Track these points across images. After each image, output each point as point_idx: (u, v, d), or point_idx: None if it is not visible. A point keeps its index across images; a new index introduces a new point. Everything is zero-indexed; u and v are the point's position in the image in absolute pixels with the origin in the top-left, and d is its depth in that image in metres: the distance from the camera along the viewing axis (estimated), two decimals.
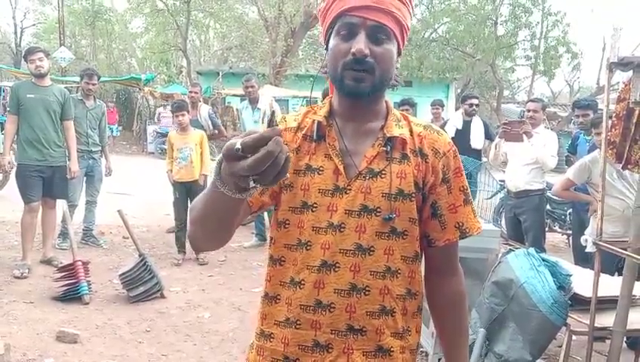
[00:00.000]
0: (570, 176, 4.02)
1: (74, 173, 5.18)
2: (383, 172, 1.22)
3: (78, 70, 22.82)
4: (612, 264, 3.48)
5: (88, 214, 5.95)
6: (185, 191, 5.58)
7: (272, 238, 1.28)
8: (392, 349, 1.22)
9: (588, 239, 2.68)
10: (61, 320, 3.89)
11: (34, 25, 31.79)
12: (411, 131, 1.27)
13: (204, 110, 6.89)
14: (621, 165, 2.77)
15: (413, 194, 1.23)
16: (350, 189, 1.21)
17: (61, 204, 5.13)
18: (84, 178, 5.77)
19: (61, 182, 5.09)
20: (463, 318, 1.36)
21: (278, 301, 1.24)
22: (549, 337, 2.92)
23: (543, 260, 2.96)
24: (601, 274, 2.82)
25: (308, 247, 1.21)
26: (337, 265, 1.19)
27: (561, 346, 3.65)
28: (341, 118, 1.26)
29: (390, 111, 1.28)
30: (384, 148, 1.23)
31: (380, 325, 1.20)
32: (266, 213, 6.32)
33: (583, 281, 3.01)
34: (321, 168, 1.22)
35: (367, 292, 1.19)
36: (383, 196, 1.21)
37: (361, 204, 1.20)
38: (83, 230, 5.96)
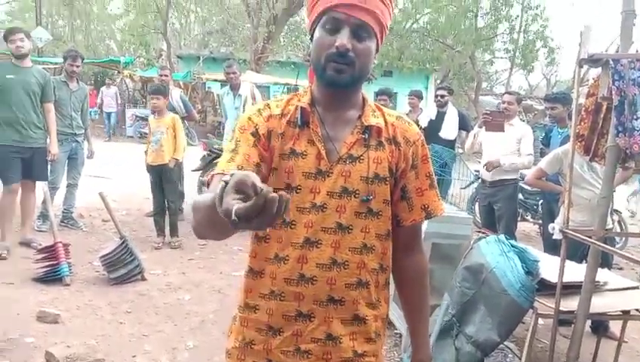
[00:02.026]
0: (542, 166, 4.17)
1: (53, 155, 5.17)
2: (362, 157, 1.32)
3: (55, 51, 22.43)
4: (578, 252, 3.65)
5: (69, 197, 5.95)
6: (157, 174, 5.62)
7: None
8: (366, 317, 1.33)
9: (555, 227, 2.82)
10: (41, 301, 3.93)
11: (8, 2, 31.02)
12: (385, 121, 1.38)
13: (176, 93, 6.90)
14: (589, 157, 2.91)
15: (388, 178, 1.34)
16: (332, 173, 1.30)
17: (42, 186, 5.13)
18: (67, 161, 5.76)
19: (40, 164, 5.08)
20: (424, 291, 1.49)
21: (262, 275, 1.34)
22: (516, 320, 3.06)
23: (513, 246, 3.10)
24: (567, 261, 2.98)
25: (292, 226, 1.31)
26: (319, 241, 1.29)
27: (528, 329, 3.83)
28: (321, 106, 1.36)
29: (366, 102, 1.39)
30: (362, 136, 1.34)
31: (357, 296, 1.31)
32: None
33: (550, 268, 3.17)
34: (304, 153, 1.31)
35: (346, 267, 1.30)
36: (361, 179, 1.31)
37: (341, 186, 1.30)
38: (63, 212, 5.96)
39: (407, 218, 1.40)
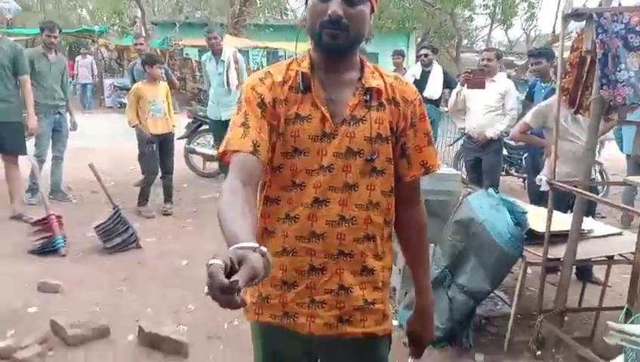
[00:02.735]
0: (527, 120, 4.25)
1: (31, 129, 5.11)
2: (364, 118, 1.37)
3: (25, 22, 21.73)
4: (564, 202, 3.78)
5: (56, 170, 5.92)
6: (159, 142, 5.61)
7: (266, 182, 1.42)
8: (374, 268, 1.42)
9: (542, 179, 2.91)
10: (40, 272, 3.97)
11: None
12: (384, 82, 1.43)
13: None
14: (573, 110, 2.99)
15: (389, 138, 1.40)
16: (337, 134, 1.36)
17: (29, 159, 5.10)
18: (51, 133, 5.71)
19: (13, 137, 5.00)
20: (424, 240, 1.58)
21: (274, 235, 1.40)
22: (506, 269, 3.20)
23: (502, 199, 3.21)
24: (554, 211, 3.09)
25: (302, 188, 1.37)
26: (328, 200, 1.36)
27: (517, 278, 3.99)
28: (321, 70, 1.39)
29: (365, 64, 1.43)
30: (364, 97, 1.38)
31: (364, 249, 1.39)
32: None
33: (537, 218, 3.29)
34: (309, 116, 1.36)
35: (354, 222, 1.37)
36: (365, 139, 1.37)
37: (346, 146, 1.36)
38: (51, 186, 5.94)
39: (407, 174, 1.47)
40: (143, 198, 5.68)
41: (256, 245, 0.97)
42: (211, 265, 0.84)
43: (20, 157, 5.23)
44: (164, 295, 3.78)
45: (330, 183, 1.35)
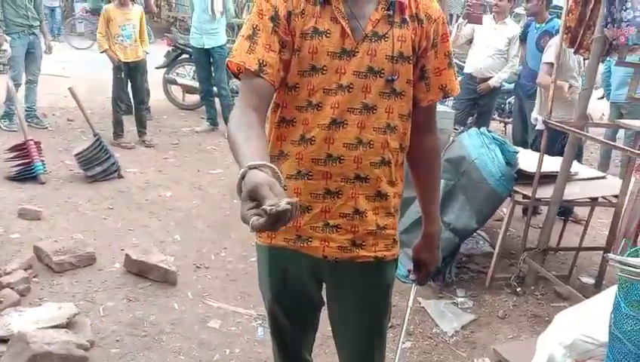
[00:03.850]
0: (550, 59, 4.02)
1: None
2: (387, 35, 1.30)
3: None
4: (552, 146, 3.80)
5: (30, 94, 5.68)
6: (128, 70, 5.39)
7: (279, 103, 1.36)
8: (388, 194, 1.39)
9: (538, 118, 2.91)
10: (20, 199, 3.88)
11: None
12: None
13: None
14: (574, 49, 2.96)
15: (411, 58, 1.33)
16: (357, 52, 1.29)
17: (6, 82, 4.86)
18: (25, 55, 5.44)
19: None
20: (437, 168, 1.55)
21: (288, 157, 1.35)
22: (494, 207, 3.24)
23: (494, 139, 3.21)
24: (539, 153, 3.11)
25: (319, 108, 1.31)
26: (345, 122, 1.31)
27: (500, 220, 4.07)
28: None
29: None
30: (387, 12, 1.30)
31: (380, 174, 1.36)
32: (217, 99, 6.26)
33: (526, 160, 3.32)
34: (328, 31, 1.29)
35: (371, 146, 1.32)
36: (386, 58, 1.30)
37: (367, 65, 1.30)
38: (25, 110, 5.68)
39: (424, 98, 1.41)
40: (119, 128, 5.48)
41: (267, 163, 0.98)
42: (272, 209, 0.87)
43: None
44: (149, 225, 3.74)
45: (348, 104, 1.30)
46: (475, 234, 3.64)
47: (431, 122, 1.48)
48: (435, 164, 1.53)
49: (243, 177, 0.94)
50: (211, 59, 6.07)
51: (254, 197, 0.90)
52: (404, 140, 1.40)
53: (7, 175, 4.23)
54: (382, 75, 1.30)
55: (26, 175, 4.19)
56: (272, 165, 0.99)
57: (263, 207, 0.87)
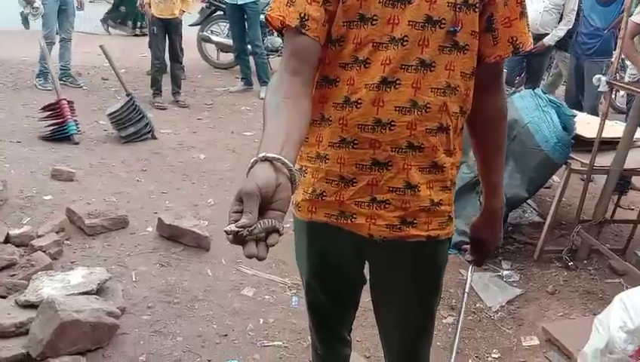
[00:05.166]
0: (637, 20, 3.60)
1: None
2: None
3: None
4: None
5: (64, 52, 5.62)
6: (163, 27, 5.25)
7: (322, 59, 1.17)
8: (444, 165, 1.20)
9: (602, 78, 2.64)
10: (53, 159, 3.83)
11: None
12: None
13: None
14: None
15: (477, 5, 1.13)
16: None
17: (39, 41, 4.78)
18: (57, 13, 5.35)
19: None
20: (502, 136, 1.34)
21: (330, 123, 1.18)
22: (547, 175, 3.02)
23: (550, 101, 2.96)
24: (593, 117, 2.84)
25: (367, 65, 1.12)
26: (398, 81, 1.12)
27: (548, 187, 3.83)
28: None
29: None
30: None
31: (436, 142, 1.17)
32: (251, 57, 6.08)
33: (582, 124, 3.05)
34: None
35: (427, 110, 1.14)
36: (448, 6, 1.10)
37: (425, 15, 1.10)
38: (60, 69, 5.64)
39: (490, 53, 1.20)
40: (156, 87, 5.41)
41: (282, 157, 0.89)
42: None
43: (29, 39, 4.93)
44: (182, 187, 3.65)
45: (401, 60, 1.11)
46: None
47: (498, 81, 1.28)
48: (500, 131, 1.32)
49: (251, 168, 0.88)
50: (245, 16, 5.85)
51: (242, 201, 0.84)
52: (465, 103, 1.20)
53: (41, 134, 4.19)
54: (442, 26, 1.10)
55: (60, 135, 4.14)
56: (287, 161, 0.88)
57: (225, 228, 0.82)
